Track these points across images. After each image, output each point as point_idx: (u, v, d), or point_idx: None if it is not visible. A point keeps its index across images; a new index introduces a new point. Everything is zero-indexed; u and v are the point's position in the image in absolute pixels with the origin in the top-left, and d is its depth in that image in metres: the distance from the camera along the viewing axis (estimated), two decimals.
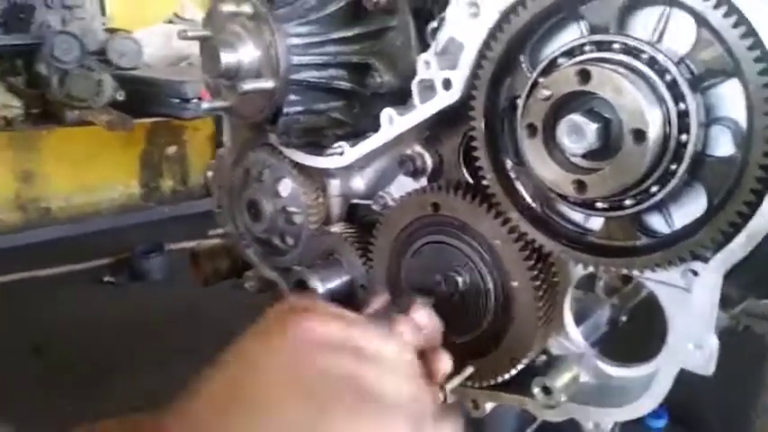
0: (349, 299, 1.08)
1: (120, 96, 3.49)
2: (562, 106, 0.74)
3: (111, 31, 3.73)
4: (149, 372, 2.82)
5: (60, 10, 3.56)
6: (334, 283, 1.07)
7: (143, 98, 3.62)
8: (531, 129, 0.77)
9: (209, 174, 1.30)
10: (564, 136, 0.72)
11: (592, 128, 0.70)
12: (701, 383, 0.77)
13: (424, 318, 0.80)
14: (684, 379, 0.80)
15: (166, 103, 3.56)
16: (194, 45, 1.08)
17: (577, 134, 0.71)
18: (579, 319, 1.04)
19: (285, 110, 0.97)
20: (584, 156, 0.73)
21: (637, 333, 1.04)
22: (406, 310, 0.81)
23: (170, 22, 4.44)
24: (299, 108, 0.98)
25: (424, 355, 0.76)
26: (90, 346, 3.29)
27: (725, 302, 0.83)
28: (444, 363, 0.79)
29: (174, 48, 3.79)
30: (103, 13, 3.84)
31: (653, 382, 0.82)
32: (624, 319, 1.16)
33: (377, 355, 0.67)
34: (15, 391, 2.96)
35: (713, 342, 0.74)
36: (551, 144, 0.75)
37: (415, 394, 0.68)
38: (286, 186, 1.17)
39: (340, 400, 0.62)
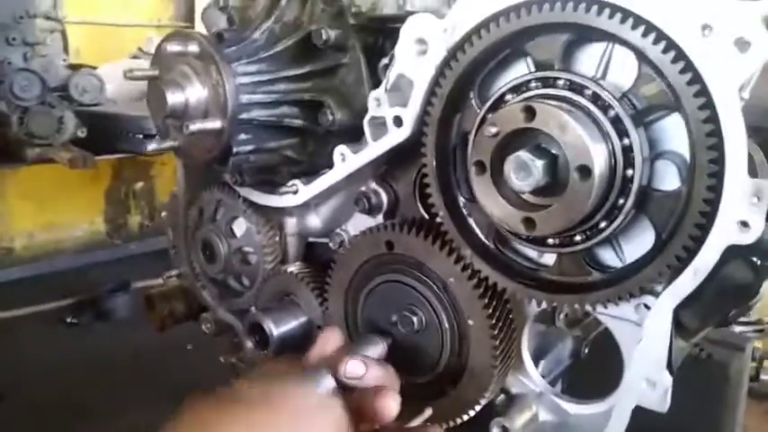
0: (306, 340, 1.05)
1: (82, 133, 3.42)
2: (509, 143, 0.73)
3: (74, 67, 3.68)
4: (118, 413, 2.73)
5: (21, 47, 3.50)
6: (290, 325, 1.04)
7: (106, 134, 3.54)
8: (480, 166, 0.76)
9: (163, 214, 1.27)
10: (511, 173, 0.71)
11: (538, 165, 0.69)
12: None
13: (356, 368, 0.78)
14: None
15: (129, 139, 3.50)
16: None
17: (524, 171, 0.70)
18: (540, 354, 1.02)
19: (235, 149, 0.95)
20: (532, 192, 0.72)
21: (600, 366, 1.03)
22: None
23: (135, 57, 4.41)
24: (250, 147, 0.96)
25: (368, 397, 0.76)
26: (55, 388, 3.19)
27: (683, 333, 0.83)
28: (387, 404, 0.76)
29: (138, 83, 3.75)
30: (66, 49, 3.79)
31: (610, 418, 0.80)
32: (587, 350, 1.15)
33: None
34: None
35: (666, 379, 0.73)
36: (500, 181, 0.74)
37: None
38: (240, 226, 1.15)
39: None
